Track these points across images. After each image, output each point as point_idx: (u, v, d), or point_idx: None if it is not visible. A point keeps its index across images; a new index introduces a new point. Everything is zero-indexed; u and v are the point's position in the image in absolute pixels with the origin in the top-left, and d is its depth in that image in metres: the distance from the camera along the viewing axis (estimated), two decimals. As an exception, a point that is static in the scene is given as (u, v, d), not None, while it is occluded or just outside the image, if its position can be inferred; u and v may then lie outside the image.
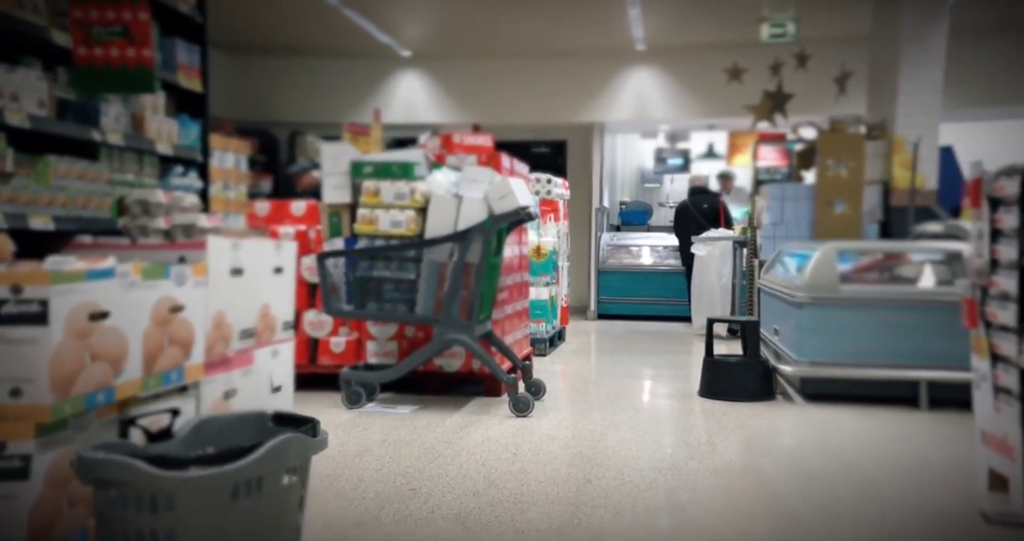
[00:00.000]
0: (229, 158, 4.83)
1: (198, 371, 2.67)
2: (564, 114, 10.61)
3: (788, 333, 5.46)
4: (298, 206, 5.70)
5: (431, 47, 10.34)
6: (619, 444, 4.13)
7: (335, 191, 4.84)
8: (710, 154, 12.67)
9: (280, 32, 9.77)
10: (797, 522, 3.06)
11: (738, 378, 5.29)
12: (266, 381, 3.14)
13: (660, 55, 10.24)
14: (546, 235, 7.38)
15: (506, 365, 5.24)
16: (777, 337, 5.78)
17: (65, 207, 3.03)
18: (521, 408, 4.72)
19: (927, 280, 5.20)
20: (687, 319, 9.17)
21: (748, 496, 3.44)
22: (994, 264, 3.00)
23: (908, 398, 5.01)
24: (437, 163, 5.09)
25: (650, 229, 11.43)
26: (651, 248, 10.63)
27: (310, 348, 5.47)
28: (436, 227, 4.71)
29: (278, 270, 3.22)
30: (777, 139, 9.72)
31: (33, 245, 2.81)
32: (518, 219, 4.74)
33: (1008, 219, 2.91)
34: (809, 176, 7.21)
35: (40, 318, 2.03)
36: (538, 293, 7.08)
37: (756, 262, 7.34)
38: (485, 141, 5.40)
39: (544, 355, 7.12)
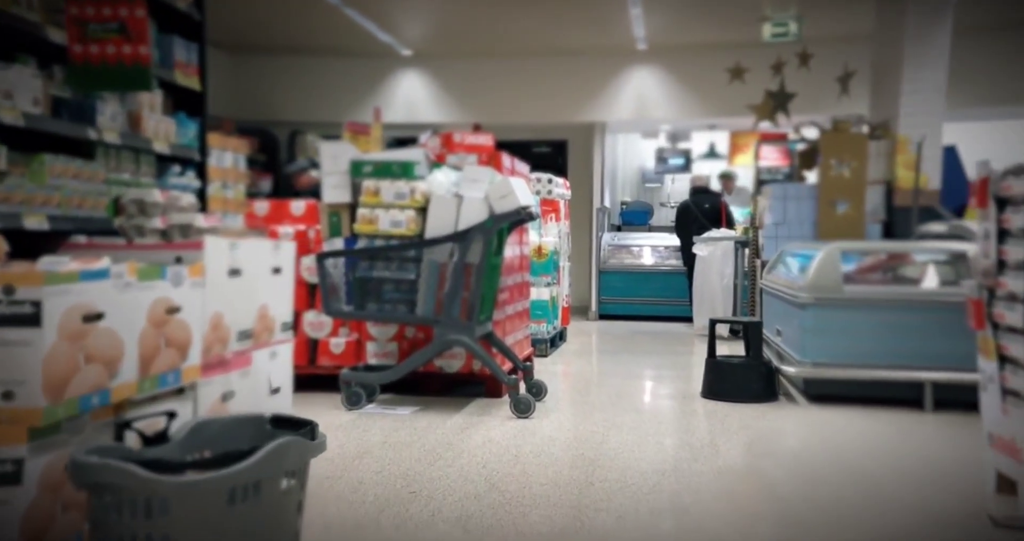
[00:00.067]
0: (227, 157, 4.80)
1: (195, 373, 2.63)
2: (565, 114, 10.58)
3: (791, 334, 5.42)
4: (297, 206, 5.66)
5: (432, 46, 10.31)
6: (621, 446, 4.09)
7: (335, 190, 4.80)
8: (711, 154, 12.63)
9: (280, 31, 9.74)
10: (802, 525, 3.03)
11: (741, 379, 5.25)
12: (264, 383, 3.10)
13: (661, 54, 10.20)
14: (547, 235, 7.35)
15: (507, 366, 5.21)
16: (780, 338, 5.75)
17: (60, 207, 2.99)
18: (522, 409, 4.68)
19: (931, 281, 5.16)
20: (688, 319, 9.14)
21: (752, 499, 3.41)
22: (1001, 265, 2.97)
23: (912, 399, 4.97)
24: (437, 162, 5.06)
25: (651, 229, 11.40)
26: (652, 248, 10.60)
27: (309, 349, 5.44)
28: (436, 227, 4.68)
29: (277, 270, 3.19)
30: (779, 139, 9.69)
31: (27, 245, 2.78)
32: (519, 219, 4.70)
33: (1016, 219, 2.88)
34: (811, 176, 7.17)
35: (33, 319, 1.99)
36: (539, 293, 7.05)
37: (758, 262, 7.30)
38: (486, 140, 5.37)
39: (545, 356, 7.09)
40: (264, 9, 8.78)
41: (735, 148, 12.20)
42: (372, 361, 5.24)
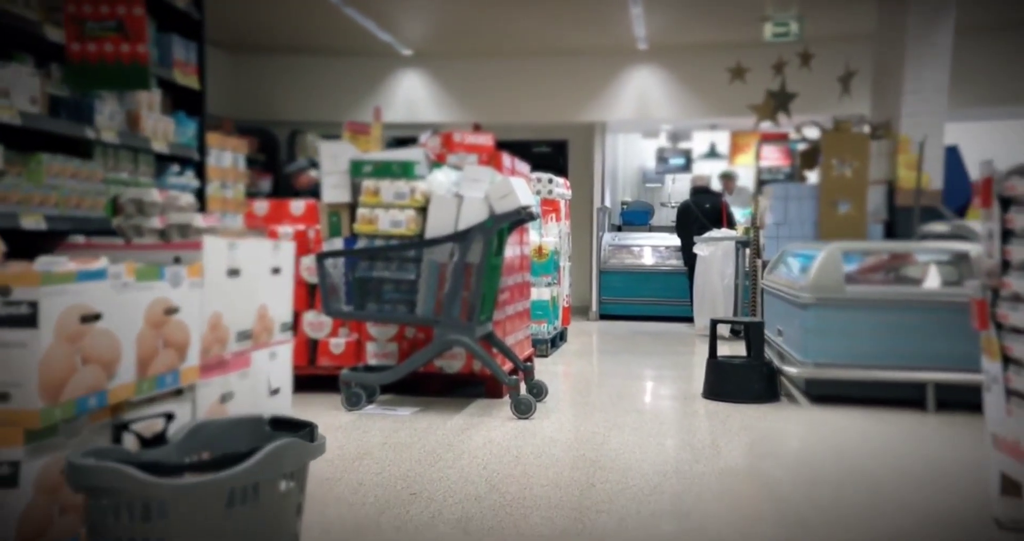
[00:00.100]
0: (227, 157, 4.77)
1: (194, 374, 2.61)
2: (565, 113, 10.56)
3: (793, 334, 5.40)
4: (297, 206, 5.64)
5: (432, 46, 10.29)
6: (622, 447, 4.07)
7: (334, 190, 4.78)
8: (712, 154, 12.61)
9: (280, 31, 9.72)
10: (804, 527, 3.01)
11: (742, 380, 5.23)
12: (264, 384, 3.08)
13: (662, 54, 10.18)
14: (547, 235, 7.33)
15: (507, 366, 5.19)
16: (781, 338, 5.73)
17: (58, 206, 2.97)
18: (523, 410, 4.66)
19: (933, 281, 5.14)
20: (689, 320, 9.12)
21: (754, 500, 3.39)
22: (1005, 265, 2.94)
23: (915, 400, 4.95)
24: (438, 162, 5.04)
25: (652, 229, 11.39)
26: (653, 248, 10.58)
27: (309, 349, 5.42)
28: (436, 227, 4.66)
29: (276, 270, 3.17)
30: (780, 139, 9.66)
31: (25, 245, 2.76)
32: (519, 219, 4.68)
33: (1020, 219, 2.86)
34: (812, 176, 7.15)
35: (29, 320, 1.97)
36: (539, 293, 7.03)
37: (759, 262, 7.28)
38: (486, 140, 5.35)
39: (546, 356, 7.07)
40: (264, 9, 8.76)
41: (736, 148, 12.17)
42: (372, 361, 5.22)
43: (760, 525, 3.06)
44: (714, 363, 5.40)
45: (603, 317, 10.28)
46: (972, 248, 4.99)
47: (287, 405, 3.26)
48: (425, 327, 5.04)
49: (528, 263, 6.26)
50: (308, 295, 5.41)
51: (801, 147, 7.37)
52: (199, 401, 2.68)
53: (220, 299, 2.78)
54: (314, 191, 6.48)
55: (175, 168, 3.78)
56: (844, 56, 7.55)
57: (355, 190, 4.79)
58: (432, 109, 10.69)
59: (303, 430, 2.32)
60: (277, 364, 3.18)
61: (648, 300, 10.18)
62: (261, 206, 5.65)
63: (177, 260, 2.68)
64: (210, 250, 2.74)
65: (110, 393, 2.21)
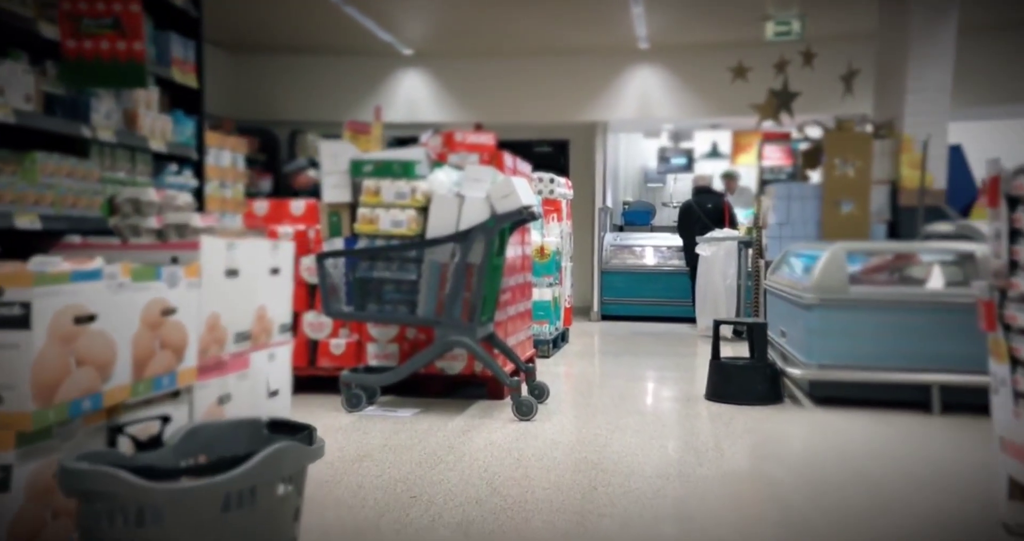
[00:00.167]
0: (226, 156, 4.74)
1: (191, 375, 2.58)
2: (567, 113, 10.53)
3: (796, 335, 5.36)
4: (297, 205, 5.61)
5: (433, 45, 10.26)
6: (625, 449, 4.03)
7: (335, 190, 4.75)
8: (714, 153, 12.57)
9: (281, 30, 9.69)
10: (809, 530, 2.97)
11: (745, 381, 5.19)
12: (262, 385, 3.05)
13: (663, 53, 10.15)
14: (549, 235, 7.29)
15: (509, 367, 5.16)
16: (784, 339, 5.69)
17: (53, 206, 2.94)
18: (524, 412, 4.63)
19: (938, 281, 5.10)
20: (691, 320, 9.09)
21: (758, 504, 3.35)
22: (1013, 265, 2.91)
23: (920, 402, 4.91)
24: (439, 162, 5.00)
25: (654, 229, 11.35)
26: (655, 248, 10.54)
27: (309, 350, 5.39)
28: (438, 227, 4.62)
29: (275, 271, 3.13)
30: (782, 138, 9.61)
31: (20, 245, 2.72)
32: (521, 219, 4.65)
33: (1029, 219, 2.82)
34: (815, 176, 7.12)
35: (22, 321, 1.94)
36: (541, 294, 6.99)
37: (761, 262, 7.24)
38: (487, 140, 5.31)
39: (547, 357, 7.04)
40: (265, 8, 8.73)
41: (738, 147, 12.15)
42: (372, 362, 5.19)
43: (764, 528, 3.02)
44: (717, 364, 5.36)
45: (605, 318, 10.24)
46: (977, 248, 4.95)
47: (286, 407, 3.23)
48: (426, 328, 5.01)
49: (530, 263, 6.23)
50: (308, 295, 5.38)
51: (803, 147, 7.33)
52: (196, 403, 2.64)
53: (218, 300, 2.74)
54: (313, 191, 6.44)
55: (173, 167, 3.75)
56: (846, 55, 7.51)
57: (356, 190, 4.75)
58: (433, 109, 10.66)
59: (302, 433, 2.29)
60: (276, 365, 3.14)
61: (650, 301, 10.15)
62: (261, 206, 5.62)
63: (174, 260, 2.65)
64: (208, 250, 2.70)
65: (105, 395, 2.18)
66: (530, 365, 5.23)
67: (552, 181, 7.57)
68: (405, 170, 4.67)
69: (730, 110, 9.68)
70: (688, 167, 12.38)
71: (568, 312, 8.02)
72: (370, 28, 9.30)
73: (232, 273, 2.83)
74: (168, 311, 2.44)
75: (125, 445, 2.25)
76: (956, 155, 6.92)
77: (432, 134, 5.36)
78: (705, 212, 9.34)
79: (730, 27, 9.08)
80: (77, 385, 2.08)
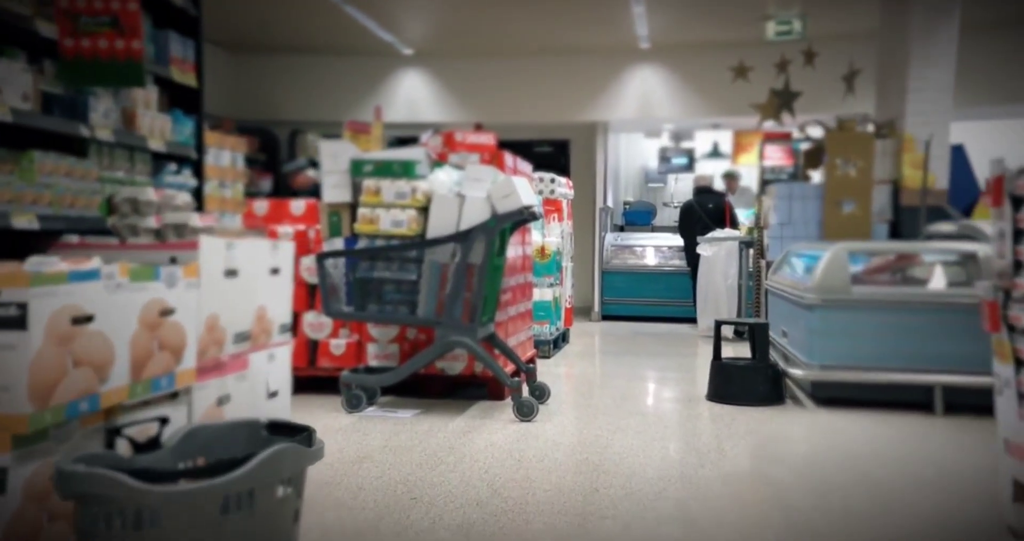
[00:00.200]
0: (225, 156, 4.71)
1: (190, 377, 2.56)
2: (567, 113, 10.51)
3: (798, 336, 5.34)
4: (297, 205, 5.59)
5: (433, 45, 10.24)
6: (626, 450, 4.02)
7: (335, 190, 4.73)
8: (715, 153, 12.55)
9: (281, 30, 9.68)
10: (811, 533, 2.95)
11: (747, 382, 5.17)
12: (262, 386, 3.03)
13: (664, 53, 10.13)
14: (550, 235, 7.28)
15: (509, 368, 5.14)
16: (786, 339, 5.67)
17: (51, 205, 2.92)
18: (525, 412, 4.61)
19: (940, 281, 5.08)
20: (692, 320, 9.07)
21: (760, 505, 3.33)
22: (1018, 266, 2.88)
23: (922, 403, 4.89)
24: (439, 161, 4.98)
25: (654, 229, 11.33)
26: (656, 248, 10.52)
27: (309, 350, 5.37)
28: (438, 227, 4.60)
29: (275, 271, 3.11)
30: (783, 138, 9.59)
31: (17, 245, 2.70)
32: (522, 219, 4.63)
33: (1034, 218, 2.79)
34: (816, 175, 7.10)
35: (19, 322, 1.92)
36: (542, 294, 6.97)
37: (763, 263, 7.22)
38: (488, 139, 5.29)
39: (548, 357, 7.02)
40: (265, 8, 8.71)
41: (739, 147, 12.12)
42: (373, 363, 5.17)
43: (766, 530, 3.00)
44: (718, 365, 5.34)
45: (605, 318, 10.22)
46: (980, 248, 4.93)
47: (286, 408, 3.21)
48: (426, 328, 4.99)
49: (530, 263, 6.21)
50: (308, 296, 5.36)
51: (805, 146, 7.32)
52: (195, 404, 2.62)
53: (217, 300, 2.72)
54: (313, 191, 6.42)
55: (172, 167, 3.73)
56: (848, 55, 7.49)
57: (356, 190, 4.74)
58: (433, 108, 10.64)
59: (301, 434, 2.27)
60: (276, 366, 3.12)
61: (651, 301, 10.13)
62: (261, 206, 5.60)
63: (173, 260, 2.63)
64: (207, 250, 2.69)
65: (102, 397, 2.16)
66: (531, 366, 5.21)
67: (553, 181, 7.55)
68: (405, 170, 4.65)
69: (731, 110, 9.66)
70: (689, 167, 12.36)
71: (569, 312, 8.00)
72: (370, 28, 9.28)
73: (231, 273, 2.81)
74: (166, 311, 2.42)
75: (123, 447, 2.23)
76: (958, 155, 6.90)
77: (432, 134, 5.34)
78: (706, 212, 9.32)
79: (731, 27, 9.07)
80: (74, 386, 2.06)
